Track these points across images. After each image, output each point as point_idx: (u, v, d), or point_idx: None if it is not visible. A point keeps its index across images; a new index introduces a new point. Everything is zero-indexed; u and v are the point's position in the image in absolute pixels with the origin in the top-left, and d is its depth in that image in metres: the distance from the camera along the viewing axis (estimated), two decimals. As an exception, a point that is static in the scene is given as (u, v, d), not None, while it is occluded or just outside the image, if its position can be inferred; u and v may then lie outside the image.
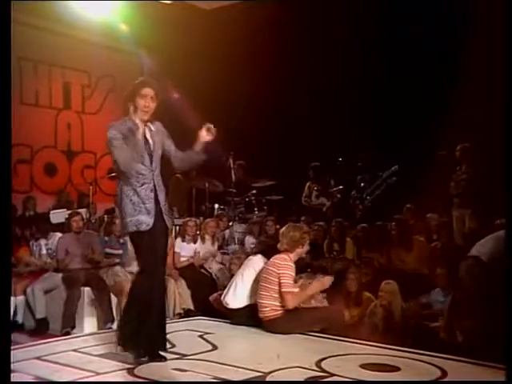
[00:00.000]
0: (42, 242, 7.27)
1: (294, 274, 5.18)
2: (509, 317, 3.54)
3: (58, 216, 7.98)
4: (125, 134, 4.12)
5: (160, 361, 4.15)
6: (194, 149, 4.34)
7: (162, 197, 4.26)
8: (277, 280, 5.10)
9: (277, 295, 5.09)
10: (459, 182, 7.46)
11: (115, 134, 4.12)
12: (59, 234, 7.23)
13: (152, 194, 4.19)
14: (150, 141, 4.25)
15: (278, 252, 5.31)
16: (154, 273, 4.18)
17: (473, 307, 4.73)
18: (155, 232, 4.21)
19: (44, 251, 7.20)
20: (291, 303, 5.05)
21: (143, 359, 4.12)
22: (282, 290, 5.06)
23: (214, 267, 7.20)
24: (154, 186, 4.21)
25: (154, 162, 4.22)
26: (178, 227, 7.76)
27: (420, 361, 4.24)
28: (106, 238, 7.17)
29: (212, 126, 4.32)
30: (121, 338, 4.29)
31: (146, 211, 4.14)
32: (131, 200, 4.15)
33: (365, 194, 8.61)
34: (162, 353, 4.22)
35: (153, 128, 4.29)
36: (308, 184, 9.31)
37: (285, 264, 5.14)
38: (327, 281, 5.31)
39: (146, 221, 4.14)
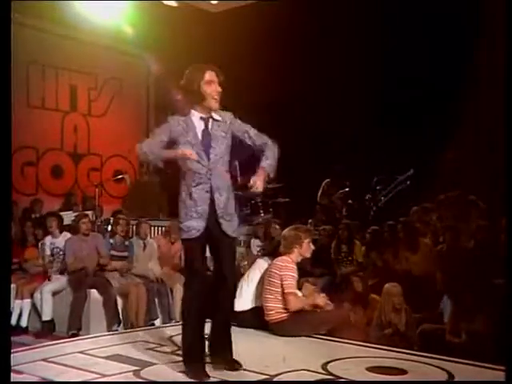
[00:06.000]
0: (47, 241, 7.21)
1: (296, 276, 5.16)
2: (508, 317, 3.52)
3: (64, 218, 7.99)
4: (182, 129, 3.80)
5: (235, 369, 3.89)
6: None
7: (221, 199, 3.81)
8: (279, 282, 5.09)
9: (281, 298, 5.07)
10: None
11: (172, 124, 3.82)
12: (68, 234, 7.22)
13: (207, 196, 3.77)
14: (212, 135, 3.84)
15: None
16: (201, 282, 3.81)
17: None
18: (210, 239, 3.84)
19: (48, 252, 7.14)
20: (293, 305, 5.03)
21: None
22: (285, 291, 5.05)
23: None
24: (211, 186, 3.78)
25: (211, 160, 3.79)
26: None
27: (427, 364, 4.21)
28: (111, 240, 7.19)
29: None
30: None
31: (196, 215, 3.76)
32: (185, 203, 3.80)
33: (379, 196, 8.59)
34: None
35: (218, 117, 3.89)
36: (326, 182, 9.31)
37: (286, 266, 5.12)
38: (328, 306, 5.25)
39: (197, 226, 3.76)
